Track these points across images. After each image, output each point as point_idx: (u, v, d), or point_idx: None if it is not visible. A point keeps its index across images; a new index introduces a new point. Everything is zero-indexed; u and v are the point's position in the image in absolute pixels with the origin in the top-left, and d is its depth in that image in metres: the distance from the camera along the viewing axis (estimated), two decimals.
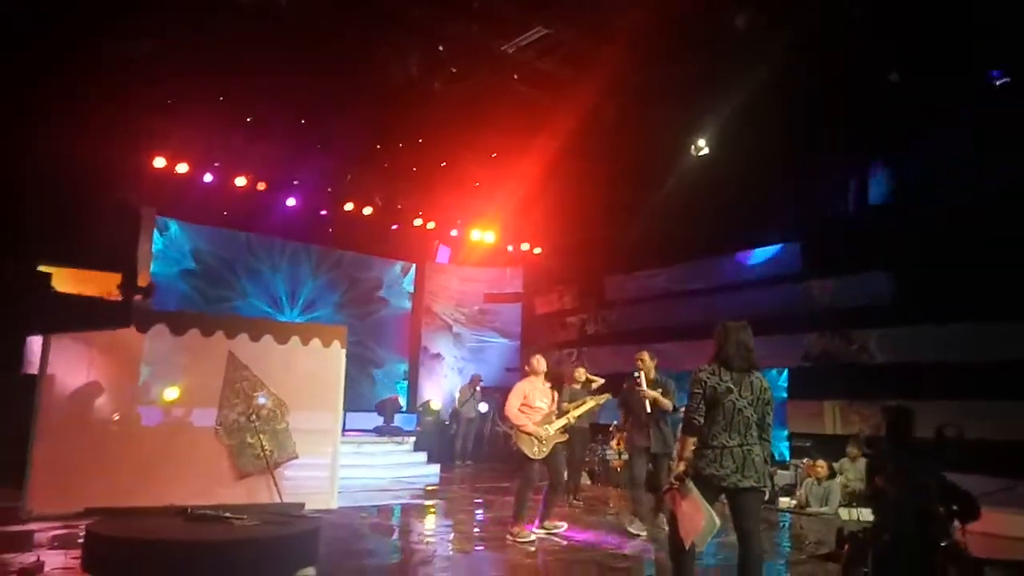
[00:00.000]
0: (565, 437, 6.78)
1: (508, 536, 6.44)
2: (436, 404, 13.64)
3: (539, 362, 6.82)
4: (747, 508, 4.10)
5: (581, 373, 8.82)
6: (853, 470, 8.48)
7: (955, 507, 3.98)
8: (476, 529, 7.39)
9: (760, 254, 11.35)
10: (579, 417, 7.08)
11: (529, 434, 6.49)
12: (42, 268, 9.15)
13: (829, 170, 10.14)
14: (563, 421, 6.72)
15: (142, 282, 10.31)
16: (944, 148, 8.89)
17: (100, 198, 10.06)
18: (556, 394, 6.87)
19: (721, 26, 8.32)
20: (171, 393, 7.67)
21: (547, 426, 6.57)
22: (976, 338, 8.49)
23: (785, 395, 10.42)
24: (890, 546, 3.70)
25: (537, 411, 6.58)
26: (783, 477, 9.27)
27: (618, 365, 12.09)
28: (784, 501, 8.84)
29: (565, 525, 6.84)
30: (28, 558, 5.02)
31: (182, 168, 11.16)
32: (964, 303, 8.53)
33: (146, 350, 7.46)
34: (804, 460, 9.09)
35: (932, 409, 7.89)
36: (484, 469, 12.13)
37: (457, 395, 13.47)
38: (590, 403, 7.21)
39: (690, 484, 4.01)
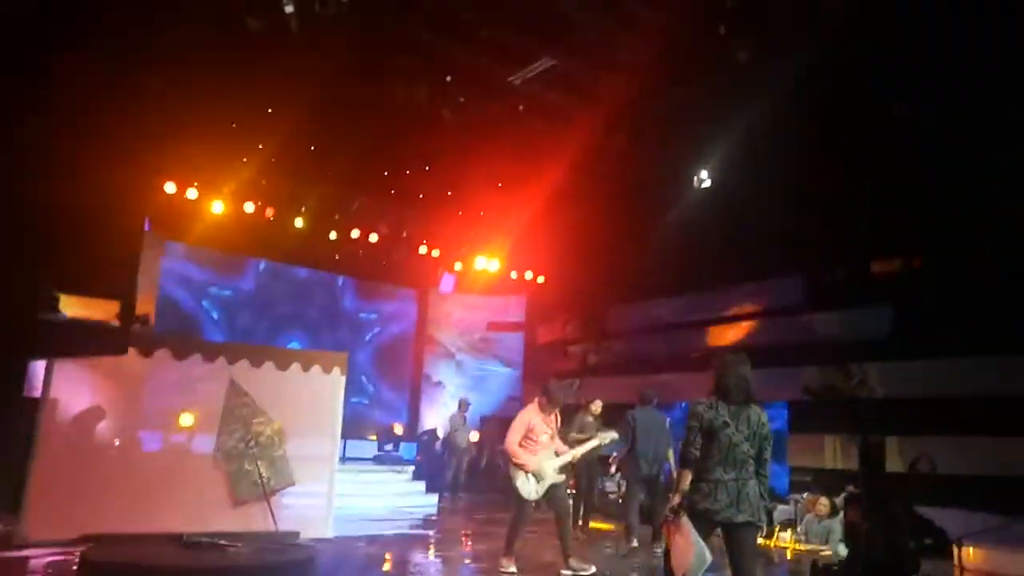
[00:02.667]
0: (562, 478, 6.48)
1: (501, 568, 6.33)
2: (441, 432, 13.62)
3: (557, 398, 6.52)
4: (741, 543, 4.09)
5: (598, 406, 8.75)
6: None
7: (928, 540, 3.97)
8: (469, 562, 7.33)
9: (763, 286, 11.37)
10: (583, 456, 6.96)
11: (528, 472, 6.26)
12: (52, 292, 9.26)
13: (831, 202, 10.18)
14: (565, 459, 6.49)
15: (141, 310, 10.40)
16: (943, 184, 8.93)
17: (109, 224, 10.18)
18: (558, 426, 6.63)
19: (723, 60, 8.45)
20: (171, 418, 7.68)
21: (547, 462, 6.33)
22: (979, 373, 8.45)
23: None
24: None
25: (539, 445, 6.34)
26: (783, 512, 9.18)
27: (620, 395, 12.09)
28: (784, 537, 8.74)
29: (594, 568, 6.39)
30: None
31: (192, 194, 11.31)
32: (966, 337, 8.51)
33: (148, 375, 7.47)
34: (804, 495, 9.01)
35: (935, 444, 7.86)
36: (483, 500, 12.01)
37: (448, 423, 13.40)
38: (594, 443, 7.05)
39: (684, 517, 4.01)
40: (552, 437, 6.48)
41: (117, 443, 7.35)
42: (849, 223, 10.15)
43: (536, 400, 6.57)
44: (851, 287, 9.91)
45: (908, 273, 9.22)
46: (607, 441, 7.34)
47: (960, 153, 8.58)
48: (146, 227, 11.23)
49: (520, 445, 6.30)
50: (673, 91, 9.44)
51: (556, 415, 6.61)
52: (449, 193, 13.10)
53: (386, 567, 6.78)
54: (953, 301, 8.60)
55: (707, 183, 10.57)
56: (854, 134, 9.18)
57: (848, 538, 4.43)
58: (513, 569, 6.31)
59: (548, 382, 6.94)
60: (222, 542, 5.07)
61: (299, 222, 12.54)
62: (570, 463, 6.69)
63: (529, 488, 6.26)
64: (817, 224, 10.37)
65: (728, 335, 10.95)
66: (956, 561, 5.44)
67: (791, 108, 8.85)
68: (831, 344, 10.06)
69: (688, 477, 4.14)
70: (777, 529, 8.85)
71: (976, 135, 8.48)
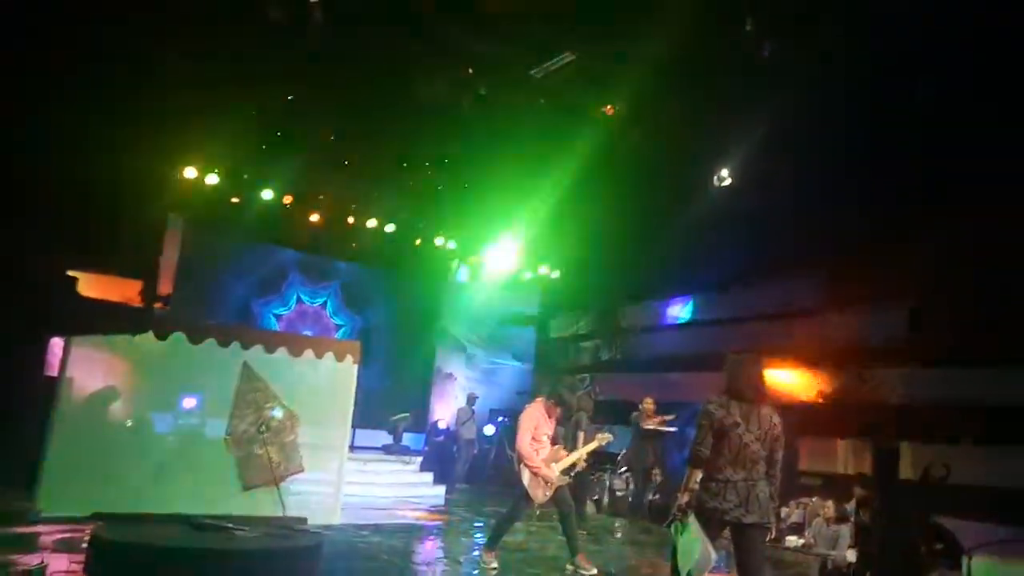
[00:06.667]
0: (567, 480, 6.49)
1: (483, 564, 6.29)
2: (444, 424, 13.66)
3: (569, 404, 6.59)
4: (750, 543, 4.07)
5: (649, 404, 9.91)
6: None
7: (938, 546, 3.94)
8: (476, 553, 7.33)
9: (779, 287, 11.26)
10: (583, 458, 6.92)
11: (538, 476, 6.22)
12: (69, 273, 9.40)
13: (851, 203, 10.05)
14: (569, 461, 6.49)
15: (163, 291, 10.52)
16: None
17: (129, 207, 10.30)
18: (556, 426, 6.62)
19: (746, 57, 8.37)
20: (185, 401, 7.76)
21: (554, 464, 6.34)
22: (998, 381, 8.32)
23: None
24: None
25: (543, 445, 6.34)
26: (791, 516, 9.11)
27: (632, 394, 12.04)
28: (791, 540, 8.69)
29: (596, 571, 6.33)
30: (32, 560, 5.08)
31: (211, 180, 11.38)
32: (986, 345, 8.39)
33: (163, 357, 7.54)
34: (813, 499, 8.94)
35: (949, 452, 7.77)
36: (488, 492, 12.03)
37: (456, 415, 13.45)
38: (594, 445, 7.04)
39: (691, 516, 3.99)
40: (551, 438, 6.49)
41: (130, 424, 7.45)
42: (868, 225, 10.02)
43: (541, 401, 6.53)
44: (869, 290, 9.77)
45: (927, 277, 9.07)
46: (604, 443, 7.32)
47: (983, 151, 8.45)
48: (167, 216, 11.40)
49: (528, 446, 6.28)
50: (695, 87, 9.36)
51: (556, 416, 6.58)
52: (466, 185, 13.09)
53: (392, 556, 6.81)
54: (972, 308, 8.48)
55: (727, 182, 10.47)
56: (874, 132, 9.04)
57: (859, 541, 4.40)
58: (495, 565, 6.27)
59: (559, 387, 6.89)
60: (230, 525, 5.09)
61: (316, 212, 12.58)
62: (574, 464, 6.66)
63: (538, 492, 6.24)
64: (836, 226, 10.25)
65: (742, 335, 10.86)
66: (966, 572, 5.38)
67: (813, 106, 8.75)
68: (847, 347, 9.95)
69: (697, 476, 4.13)
70: (785, 532, 8.81)
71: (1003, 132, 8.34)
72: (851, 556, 7.74)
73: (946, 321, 8.83)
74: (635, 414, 10.32)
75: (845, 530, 8.21)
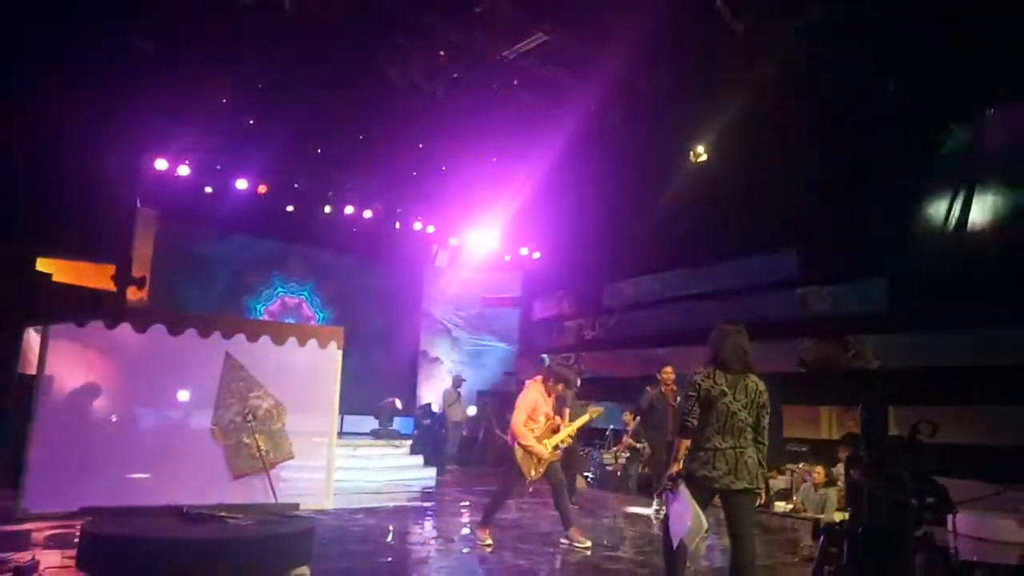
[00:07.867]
0: (559, 456, 6.53)
1: (478, 542, 6.36)
2: (436, 407, 13.69)
3: (570, 381, 6.63)
4: (740, 510, 4.13)
5: (669, 373, 8.42)
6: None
7: (929, 500, 4.03)
8: (468, 531, 7.39)
9: (757, 260, 11.36)
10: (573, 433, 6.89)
11: (531, 454, 6.30)
12: (40, 261, 9.19)
13: (826, 175, 10.15)
14: (560, 437, 6.53)
15: (136, 274, 10.34)
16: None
17: (101, 196, 10.09)
18: (555, 405, 6.64)
19: (719, 32, 8.38)
20: (168, 393, 7.69)
21: (546, 441, 6.40)
22: (974, 344, 8.50)
23: None
24: (864, 536, 3.76)
25: (538, 425, 6.41)
26: (778, 482, 9.28)
27: (616, 370, 12.13)
28: (780, 505, 8.85)
29: (590, 543, 6.42)
30: (23, 557, 5.03)
31: (184, 171, 11.22)
32: (962, 310, 8.54)
33: (144, 350, 7.46)
34: (800, 465, 9.10)
35: (929, 414, 7.91)
36: (479, 473, 12.12)
37: (442, 398, 13.49)
38: (584, 419, 7.09)
39: (682, 485, 4.05)
40: (548, 417, 6.53)
41: (114, 418, 7.37)
42: (843, 196, 10.13)
43: (541, 380, 6.57)
44: (845, 260, 9.90)
45: (902, 245, 9.22)
46: (596, 416, 7.44)
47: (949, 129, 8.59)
48: (137, 203, 11.18)
49: (523, 425, 6.34)
50: (668, 65, 9.37)
51: (556, 394, 6.63)
52: (443, 169, 13.03)
53: (385, 538, 6.84)
54: (947, 274, 8.62)
55: (703, 158, 10.53)
56: (848, 107, 9.14)
57: (850, 498, 4.49)
58: (490, 542, 6.33)
59: (555, 365, 6.91)
60: (222, 514, 5.08)
61: (291, 201, 12.47)
62: (564, 440, 6.71)
63: (531, 469, 6.31)
64: (812, 197, 10.34)
65: (725, 308, 10.95)
66: (950, 527, 5.51)
67: (787, 81, 8.81)
68: (826, 317, 10.10)
69: (685, 446, 4.18)
70: (773, 498, 8.96)
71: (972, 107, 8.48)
72: (839, 518, 7.94)
73: (922, 288, 8.97)
74: (649, 388, 8.68)
75: (832, 493, 8.39)
